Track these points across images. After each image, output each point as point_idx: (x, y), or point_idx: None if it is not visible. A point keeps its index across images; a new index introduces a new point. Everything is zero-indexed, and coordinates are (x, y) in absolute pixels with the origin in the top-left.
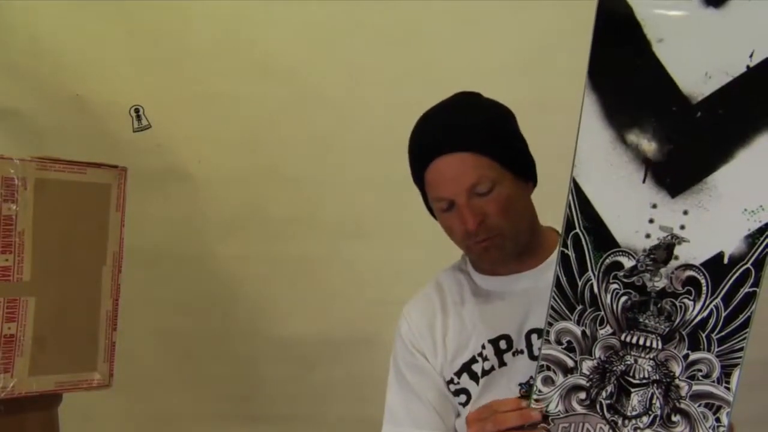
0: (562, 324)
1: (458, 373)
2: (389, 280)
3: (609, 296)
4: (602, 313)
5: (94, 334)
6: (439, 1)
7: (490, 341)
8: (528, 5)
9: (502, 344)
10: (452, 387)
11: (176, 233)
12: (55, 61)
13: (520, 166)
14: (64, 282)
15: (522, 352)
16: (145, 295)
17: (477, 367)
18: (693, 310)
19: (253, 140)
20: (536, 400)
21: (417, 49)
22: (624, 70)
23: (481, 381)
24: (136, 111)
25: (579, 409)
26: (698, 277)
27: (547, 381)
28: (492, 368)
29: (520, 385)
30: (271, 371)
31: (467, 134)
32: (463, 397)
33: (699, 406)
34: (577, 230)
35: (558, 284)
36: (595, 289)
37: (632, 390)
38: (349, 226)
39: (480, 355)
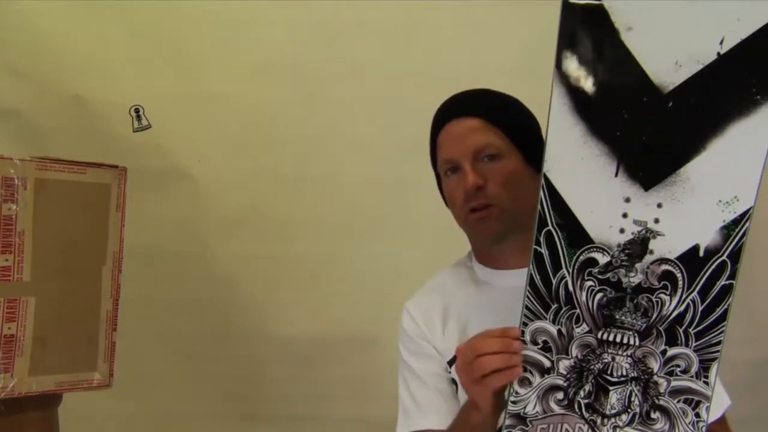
0: (538, 323)
1: (451, 362)
2: (389, 280)
3: (584, 293)
4: (578, 311)
5: (94, 334)
6: (440, 1)
7: None
8: (528, 5)
9: None
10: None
11: (176, 233)
12: (55, 61)
13: (531, 150)
14: (64, 282)
15: None
16: (145, 295)
17: None
18: (669, 305)
19: (253, 140)
20: (513, 402)
21: (417, 49)
22: (593, 61)
23: None
24: (136, 111)
25: (557, 409)
26: (674, 271)
27: (524, 382)
28: None
29: None
30: (271, 371)
31: (479, 101)
32: (455, 387)
33: (678, 402)
34: (550, 227)
35: (532, 283)
36: (570, 287)
37: (610, 388)
38: (349, 226)
39: None
